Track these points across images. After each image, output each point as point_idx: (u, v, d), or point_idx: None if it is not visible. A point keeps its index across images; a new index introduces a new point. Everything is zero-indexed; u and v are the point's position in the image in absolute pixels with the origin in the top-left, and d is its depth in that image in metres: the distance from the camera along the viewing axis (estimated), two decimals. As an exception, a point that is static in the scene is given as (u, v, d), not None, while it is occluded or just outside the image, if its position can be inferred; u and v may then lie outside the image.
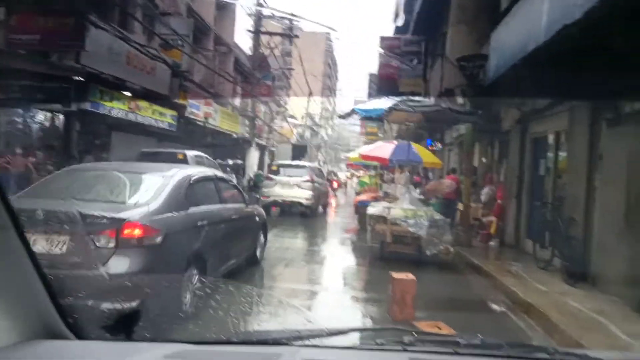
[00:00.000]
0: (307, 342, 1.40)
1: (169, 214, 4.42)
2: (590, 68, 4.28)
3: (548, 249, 7.39)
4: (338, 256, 9.36)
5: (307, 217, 13.43)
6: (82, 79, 10.98)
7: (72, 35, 10.25)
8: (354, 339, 1.41)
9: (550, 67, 5.19)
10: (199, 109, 18.58)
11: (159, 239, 4.10)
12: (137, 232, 3.95)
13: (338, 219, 15.79)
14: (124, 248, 3.85)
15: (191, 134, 18.09)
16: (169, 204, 4.48)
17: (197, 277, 4.47)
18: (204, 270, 4.71)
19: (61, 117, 12.87)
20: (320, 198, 14.50)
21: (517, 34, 5.93)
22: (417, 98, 9.60)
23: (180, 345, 1.36)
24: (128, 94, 13.08)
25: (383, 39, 16.92)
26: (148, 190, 4.58)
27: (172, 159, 11.62)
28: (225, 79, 21.03)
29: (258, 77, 23.26)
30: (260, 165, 26.61)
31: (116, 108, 12.83)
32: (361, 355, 1.34)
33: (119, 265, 3.79)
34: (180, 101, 16.37)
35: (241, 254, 6.22)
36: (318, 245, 10.45)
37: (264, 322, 2.04)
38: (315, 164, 21.20)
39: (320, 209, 14.06)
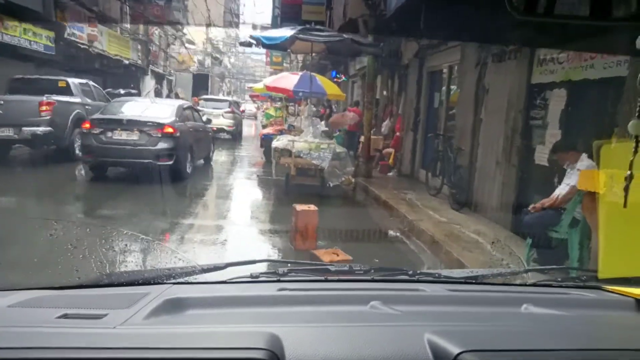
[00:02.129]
0: (179, 280, 1.36)
1: (179, 123, 8.66)
2: (482, 6, 4.41)
3: (439, 178, 7.99)
4: (244, 190, 9.31)
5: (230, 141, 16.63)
6: None
7: None
8: (230, 273, 1.40)
9: (447, 2, 5.28)
10: (82, 31, 16.49)
11: (178, 134, 8.32)
12: (169, 129, 8.19)
13: (244, 152, 15.60)
14: (164, 137, 8.14)
15: (74, 59, 16.10)
16: (178, 118, 8.80)
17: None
18: (193, 156, 9.29)
19: None
20: (238, 126, 18.49)
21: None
22: (319, 27, 9.35)
23: (33, 292, 1.22)
24: (-11, 8, 11.12)
25: (287, -40, 16.00)
26: (167, 111, 8.83)
27: (52, 87, 10.36)
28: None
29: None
30: (157, 96, 24.84)
31: (-25, 26, 10.90)
32: (232, 288, 1.33)
33: (162, 144, 8.10)
34: (58, 19, 14.35)
35: (206, 152, 10.86)
36: (223, 180, 10.27)
37: (135, 264, 1.94)
38: (234, 98, 25.00)
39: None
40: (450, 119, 8.56)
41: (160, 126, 8.10)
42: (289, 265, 1.52)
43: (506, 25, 5.24)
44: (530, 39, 5.30)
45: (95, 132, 8.14)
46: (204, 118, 11.33)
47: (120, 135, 8.08)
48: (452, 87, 8.68)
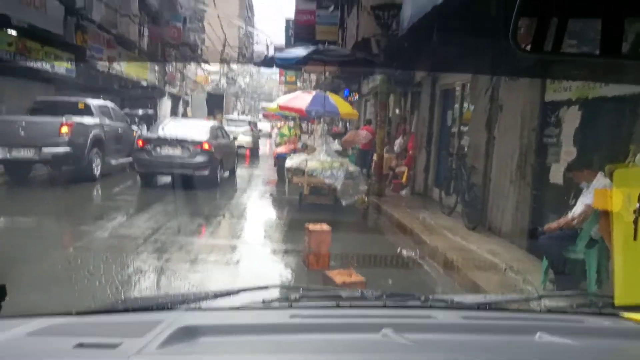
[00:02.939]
0: (192, 306, 1.37)
1: (212, 140, 10.47)
2: (490, 25, 4.44)
3: (452, 197, 7.93)
4: (257, 209, 9.35)
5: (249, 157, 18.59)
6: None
7: None
8: (242, 299, 1.41)
9: (457, 24, 5.32)
10: (101, 53, 16.94)
11: (212, 149, 10.14)
12: (205, 146, 10.01)
13: (259, 171, 15.80)
14: (201, 152, 9.97)
15: (94, 80, 16.54)
16: (212, 136, 10.64)
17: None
18: (222, 168, 11.06)
19: None
20: (256, 143, 20.45)
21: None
22: (333, 47, 9.48)
23: (50, 318, 1.25)
24: (14, 32, 11.51)
25: (300, -17, 16.31)
26: (203, 130, 10.75)
27: (73, 109, 10.62)
28: (130, 19, 19.24)
29: (167, 18, 21.57)
30: (173, 115, 25.27)
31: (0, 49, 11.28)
32: (246, 315, 1.34)
33: (200, 158, 9.93)
34: (78, 43, 14.78)
35: (232, 166, 12.44)
36: (237, 199, 10.35)
37: (148, 289, 1.97)
38: (252, 119, 27.59)
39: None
40: (463, 137, 8.53)
41: (198, 143, 10.12)
42: (301, 290, 1.52)
43: (516, 57, 5.26)
44: (540, 71, 5.31)
45: (147, 148, 10.10)
46: (231, 136, 13.37)
47: (167, 151, 10.10)
48: (464, 104, 8.67)
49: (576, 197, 4.48)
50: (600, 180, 4.16)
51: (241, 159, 16.28)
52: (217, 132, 11.49)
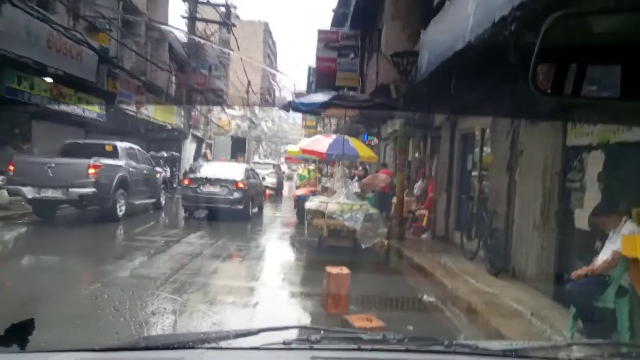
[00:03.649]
0: (213, 345, 1.37)
1: (246, 180, 12.36)
2: (510, 71, 4.51)
3: (474, 241, 7.78)
4: (277, 250, 9.34)
5: (273, 196, 19.84)
6: (-5, 63, 10.07)
7: (-18, 14, 9.34)
8: (262, 339, 1.40)
9: (476, 69, 5.42)
10: (130, 98, 17.67)
11: (246, 187, 12.16)
12: (240, 185, 12.03)
13: (278, 213, 15.95)
14: (237, 189, 11.97)
15: (122, 124, 17.17)
16: (245, 176, 12.53)
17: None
18: (253, 204, 12.99)
19: (-29, 104, 11.74)
20: (280, 184, 22.12)
21: (446, 34, 6.13)
22: (352, 93, 9.71)
23: (74, 354, 1.27)
24: (50, 80, 12.16)
25: (321, 32, 16.93)
26: (238, 171, 12.74)
27: (101, 151, 11.01)
28: (158, 67, 20.13)
29: (194, 65, 22.51)
30: (197, 158, 25.85)
31: (37, 95, 11.90)
32: (267, 356, 1.33)
33: (236, 194, 11.90)
34: (110, 89, 15.48)
35: (260, 202, 14.33)
36: (256, 241, 10.37)
37: (171, 326, 1.97)
38: (277, 162, 29.77)
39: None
40: (484, 181, 8.47)
41: (234, 182, 12.07)
42: (321, 332, 1.50)
43: (537, 100, 5.31)
44: (560, 115, 5.32)
45: (192, 186, 12.11)
46: (260, 177, 15.19)
47: (208, 188, 11.98)
48: (485, 148, 8.66)
49: (602, 243, 4.36)
50: (627, 225, 4.05)
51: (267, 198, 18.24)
52: (250, 173, 13.36)
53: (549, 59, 0.99)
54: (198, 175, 12.62)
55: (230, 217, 11.47)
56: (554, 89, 1.01)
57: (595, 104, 1.02)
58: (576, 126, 5.55)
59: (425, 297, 5.83)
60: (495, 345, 1.62)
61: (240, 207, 11.93)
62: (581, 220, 5.30)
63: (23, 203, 10.33)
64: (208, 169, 13.07)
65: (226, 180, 12.03)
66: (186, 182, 12.57)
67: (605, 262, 4.09)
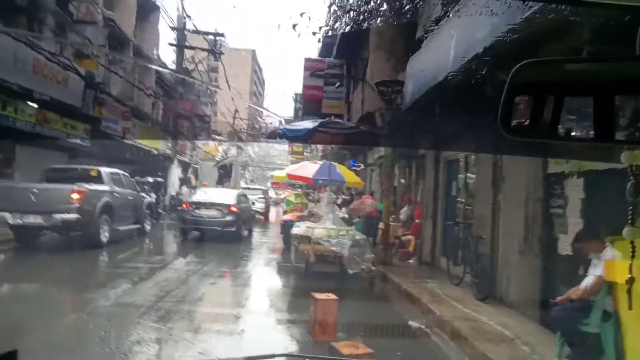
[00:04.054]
0: None
1: (238, 204, 13.39)
2: (488, 103, 4.66)
3: (460, 266, 7.83)
4: (262, 277, 9.25)
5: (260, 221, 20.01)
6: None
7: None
8: None
9: (458, 99, 5.59)
10: (116, 124, 17.63)
11: (239, 211, 13.20)
12: (233, 208, 13.02)
13: (265, 238, 15.86)
14: (230, 213, 12.92)
15: (107, 149, 17.08)
16: (238, 201, 13.65)
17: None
18: (244, 226, 13.97)
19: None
20: (267, 208, 23.00)
21: (429, 64, 6.34)
22: (338, 120, 9.86)
23: None
24: (35, 105, 12.11)
25: (307, 60, 17.24)
26: (231, 196, 14.05)
27: (85, 176, 10.89)
28: (145, 93, 20.20)
29: (181, 92, 22.63)
30: (183, 183, 25.70)
31: (21, 120, 11.81)
32: None
33: (228, 217, 12.82)
34: (95, 115, 15.45)
35: (250, 226, 15.20)
36: (242, 267, 10.26)
37: (156, 356, 1.95)
38: (265, 187, 29.86)
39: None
40: (468, 207, 8.58)
41: (228, 206, 13.07)
42: (307, 359, 1.51)
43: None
44: (538, 150, 5.47)
45: (190, 209, 13.28)
46: (250, 202, 16.19)
47: (204, 212, 13.00)
48: (469, 175, 8.82)
49: (586, 268, 4.44)
50: (609, 251, 4.14)
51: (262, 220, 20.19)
52: (241, 198, 14.52)
53: (524, 93, 1.00)
54: (194, 199, 13.89)
55: (223, 239, 12.32)
56: (533, 119, 1.04)
57: (569, 144, 1.05)
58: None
59: (412, 323, 5.82)
60: None
61: (233, 229, 12.84)
62: (565, 246, 5.39)
63: (2, 229, 10.10)
64: (203, 194, 14.26)
65: (220, 205, 13.09)
66: (184, 206, 14.06)
67: (588, 286, 4.16)
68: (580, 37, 3.28)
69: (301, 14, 20.45)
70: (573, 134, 1.04)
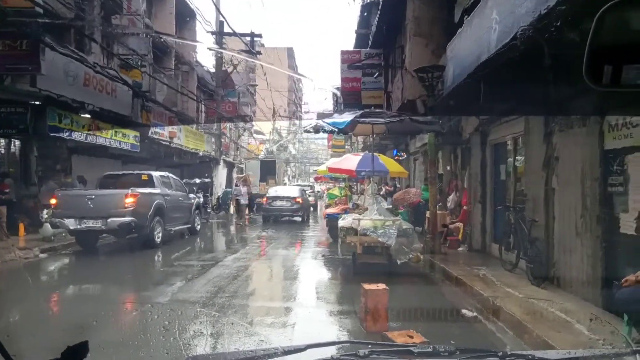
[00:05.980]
0: None
1: (301, 196, 19.37)
2: (539, 77, 4.45)
3: (513, 252, 7.57)
4: (312, 270, 9.32)
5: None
6: (38, 103, 10.64)
7: (27, 58, 9.92)
8: (309, 355, 1.40)
9: (504, 76, 5.37)
10: (163, 129, 18.26)
11: (302, 202, 19.17)
12: (299, 200, 18.91)
13: (311, 232, 16.03)
14: (296, 203, 18.76)
15: (156, 154, 17.75)
16: (301, 194, 19.63)
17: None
18: (306, 213, 19.96)
19: (17, 142, 12.42)
20: (316, 201, 27.23)
21: (471, 45, 6.14)
22: (378, 110, 9.73)
23: None
24: (88, 116, 12.75)
25: (343, 52, 17.13)
26: (295, 191, 20.08)
27: (137, 181, 11.39)
28: (188, 97, 20.80)
29: (222, 94, 23.12)
30: (229, 183, 26.31)
31: (76, 131, 12.47)
32: None
33: (296, 206, 18.78)
34: (143, 121, 16.06)
35: (309, 213, 21.13)
36: (291, 261, 10.39)
37: (219, 345, 1.99)
38: (311, 183, 35.16)
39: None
40: (519, 190, 8.27)
41: (294, 198, 18.54)
42: (369, 346, 1.49)
43: (570, 95, 5.19)
44: (597, 106, 5.18)
45: (268, 202, 18.62)
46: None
47: (278, 203, 18.42)
48: (517, 158, 8.49)
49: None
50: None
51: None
52: (303, 192, 19.87)
53: (609, 40, 0.93)
54: (271, 194, 18.95)
55: (292, 222, 18.24)
56: (623, 68, 0.94)
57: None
58: (614, 130, 5.39)
59: (466, 312, 5.68)
60: (553, 354, 1.56)
61: (300, 214, 18.81)
62: (627, 225, 5.10)
63: (64, 234, 10.74)
64: (276, 190, 19.52)
65: (289, 197, 18.45)
66: (264, 200, 19.07)
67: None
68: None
69: None
70: None
